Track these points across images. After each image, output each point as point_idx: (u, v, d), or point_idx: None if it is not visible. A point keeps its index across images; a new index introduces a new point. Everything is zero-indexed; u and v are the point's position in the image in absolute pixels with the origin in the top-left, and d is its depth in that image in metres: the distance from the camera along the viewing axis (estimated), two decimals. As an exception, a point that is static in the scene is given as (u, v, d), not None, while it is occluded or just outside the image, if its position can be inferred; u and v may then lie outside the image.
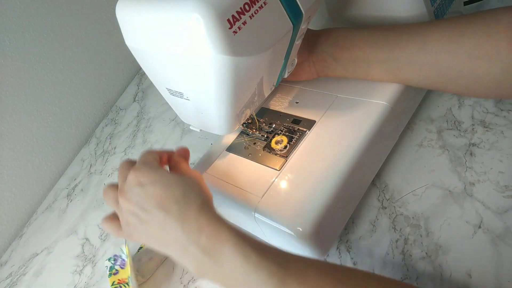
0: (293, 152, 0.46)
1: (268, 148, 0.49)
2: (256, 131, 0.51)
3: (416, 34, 0.43)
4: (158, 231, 0.36)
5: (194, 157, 0.69)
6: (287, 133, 0.49)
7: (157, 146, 0.76)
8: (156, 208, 0.36)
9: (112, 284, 0.52)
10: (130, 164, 0.40)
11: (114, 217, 0.41)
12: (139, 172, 0.38)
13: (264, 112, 0.54)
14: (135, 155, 0.78)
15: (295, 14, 0.37)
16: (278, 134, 0.49)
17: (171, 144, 0.75)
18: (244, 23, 0.33)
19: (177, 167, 0.42)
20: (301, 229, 0.39)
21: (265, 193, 0.43)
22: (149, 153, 0.41)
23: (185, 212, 0.35)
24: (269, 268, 0.31)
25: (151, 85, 0.93)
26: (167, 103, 0.47)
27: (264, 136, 0.50)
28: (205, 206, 0.36)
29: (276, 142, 0.48)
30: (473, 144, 0.46)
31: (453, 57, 0.40)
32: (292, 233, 0.40)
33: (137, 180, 0.37)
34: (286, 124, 0.51)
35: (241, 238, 0.33)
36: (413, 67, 0.43)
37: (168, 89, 0.42)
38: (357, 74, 0.48)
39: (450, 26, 0.41)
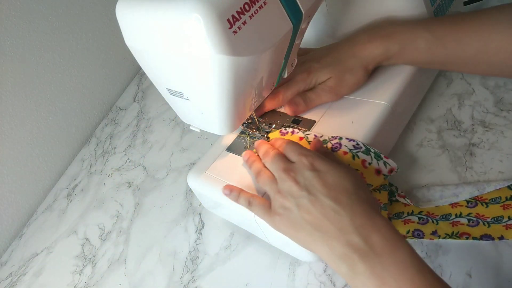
0: (293, 152, 0.46)
1: (268, 148, 0.49)
2: (256, 131, 0.51)
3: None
4: (315, 219, 0.35)
5: (194, 157, 0.69)
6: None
7: (157, 146, 0.76)
8: (325, 195, 0.36)
9: None
10: (281, 152, 0.42)
11: (262, 198, 0.42)
12: (313, 159, 0.38)
13: (264, 112, 0.54)
14: (135, 155, 0.78)
15: (295, 14, 0.37)
16: (278, 134, 0.49)
17: (171, 144, 0.75)
18: (244, 23, 0.33)
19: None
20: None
21: (265, 193, 0.43)
22: (319, 141, 0.44)
23: (356, 206, 0.35)
24: None
25: (151, 85, 0.93)
26: (167, 103, 0.47)
27: (264, 136, 0.50)
28: (376, 206, 0.36)
29: (276, 142, 0.48)
30: (473, 144, 0.46)
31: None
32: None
33: (311, 165, 0.38)
34: (286, 124, 0.51)
35: (416, 253, 0.32)
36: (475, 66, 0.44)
37: (168, 89, 0.42)
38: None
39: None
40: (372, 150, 0.42)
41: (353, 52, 0.48)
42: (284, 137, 0.48)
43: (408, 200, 0.43)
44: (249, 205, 0.42)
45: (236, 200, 0.44)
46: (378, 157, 0.42)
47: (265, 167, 0.43)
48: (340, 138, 0.44)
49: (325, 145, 0.45)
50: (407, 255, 0.31)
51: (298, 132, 0.48)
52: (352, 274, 0.33)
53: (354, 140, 0.43)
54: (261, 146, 0.45)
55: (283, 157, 0.41)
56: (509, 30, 0.40)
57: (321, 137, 0.46)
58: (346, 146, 0.43)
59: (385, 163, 0.42)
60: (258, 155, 0.45)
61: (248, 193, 0.43)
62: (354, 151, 0.43)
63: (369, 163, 0.42)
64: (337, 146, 0.44)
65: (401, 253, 0.32)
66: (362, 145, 0.43)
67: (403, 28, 0.46)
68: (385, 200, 0.43)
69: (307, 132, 0.48)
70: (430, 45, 0.44)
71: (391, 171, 0.42)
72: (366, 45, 0.47)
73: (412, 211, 0.43)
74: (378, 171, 0.42)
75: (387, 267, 0.31)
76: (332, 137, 0.45)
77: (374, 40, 0.47)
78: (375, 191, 0.43)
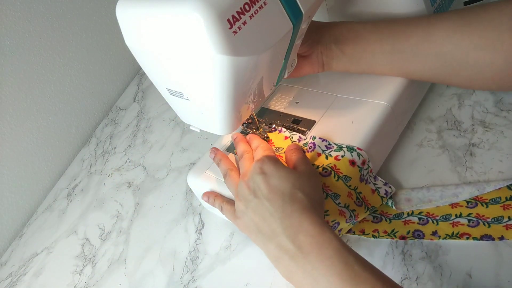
0: (293, 152, 0.46)
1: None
2: (256, 131, 0.51)
3: (420, 25, 0.43)
4: (259, 220, 0.38)
5: (194, 157, 0.69)
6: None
7: (157, 146, 0.76)
8: (266, 198, 0.38)
9: None
10: (251, 155, 0.44)
11: (232, 202, 0.44)
12: (263, 163, 0.40)
13: (264, 112, 0.54)
14: (135, 155, 0.78)
15: (295, 14, 0.37)
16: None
17: (171, 144, 0.75)
18: (244, 23, 0.33)
19: (292, 159, 0.43)
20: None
21: None
22: (269, 147, 0.44)
23: (288, 208, 0.36)
24: (372, 282, 0.30)
25: (151, 85, 0.93)
26: (167, 103, 0.47)
27: (264, 137, 0.50)
28: (311, 207, 0.37)
29: (276, 142, 0.49)
30: (473, 144, 0.46)
31: (457, 48, 0.40)
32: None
33: (260, 169, 0.40)
34: (286, 124, 0.51)
35: (344, 246, 0.33)
36: (417, 59, 0.43)
37: (168, 89, 0.42)
38: (362, 66, 0.47)
39: (454, 17, 0.41)
40: (344, 146, 0.43)
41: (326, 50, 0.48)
42: (271, 134, 0.50)
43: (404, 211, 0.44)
44: (220, 210, 0.46)
45: (213, 205, 0.47)
46: (351, 149, 0.43)
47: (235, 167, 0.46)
48: (314, 138, 0.46)
49: (306, 148, 0.46)
50: (333, 250, 0.32)
51: (285, 132, 0.49)
52: (287, 273, 0.35)
53: (326, 140, 0.45)
54: (239, 144, 0.47)
55: (248, 162, 0.43)
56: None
57: (304, 139, 0.47)
58: (319, 146, 0.45)
59: (358, 154, 0.43)
60: (224, 154, 0.48)
61: (220, 198, 0.47)
62: (327, 151, 0.44)
63: (342, 156, 0.43)
64: (311, 146, 0.45)
65: (327, 249, 0.33)
66: (333, 144, 0.44)
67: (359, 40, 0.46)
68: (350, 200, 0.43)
69: (293, 133, 0.49)
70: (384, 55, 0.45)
71: (363, 162, 0.43)
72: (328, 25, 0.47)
73: (412, 212, 0.43)
74: (352, 162, 0.42)
75: (315, 265, 0.32)
76: (310, 137, 0.47)
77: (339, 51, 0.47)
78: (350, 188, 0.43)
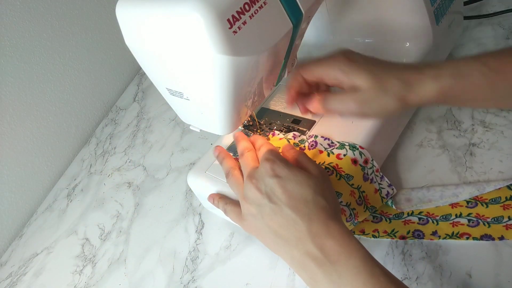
0: (293, 152, 0.46)
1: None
2: (256, 131, 0.51)
3: None
4: (278, 226, 0.36)
5: (194, 157, 0.69)
6: (286, 133, 0.49)
7: (157, 146, 0.76)
8: (284, 204, 0.36)
9: None
10: (254, 154, 0.42)
11: (237, 203, 0.42)
12: (275, 165, 0.38)
13: (264, 112, 0.54)
14: (135, 155, 0.78)
15: (295, 14, 0.37)
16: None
17: (171, 144, 0.75)
18: (244, 23, 0.33)
19: (300, 162, 0.41)
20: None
21: None
22: (274, 147, 0.42)
23: (313, 215, 0.35)
24: None
25: (151, 85, 0.93)
26: (167, 103, 0.47)
27: (263, 135, 0.50)
28: (335, 214, 0.36)
29: (276, 142, 0.48)
30: (473, 144, 0.46)
31: None
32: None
33: (272, 171, 0.38)
34: (286, 124, 0.51)
35: (370, 256, 0.33)
36: None
37: (168, 89, 0.42)
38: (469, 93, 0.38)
39: None
40: (347, 143, 0.43)
41: (402, 74, 0.38)
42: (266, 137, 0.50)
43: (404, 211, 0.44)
44: (224, 212, 0.45)
45: (217, 207, 0.47)
46: (353, 148, 0.43)
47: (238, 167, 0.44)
48: (316, 136, 0.46)
49: (302, 145, 0.46)
50: (360, 260, 0.32)
51: (278, 134, 0.49)
52: (313, 282, 0.34)
53: (328, 139, 0.45)
54: (240, 142, 0.45)
55: (252, 161, 0.41)
56: None
57: (299, 136, 0.47)
58: (321, 144, 0.45)
59: (360, 153, 0.43)
60: (227, 152, 0.47)
61: (224, 199, 0.46)
62: (329, 149, 0.44)
63: (344, 155, 0.43)
64: (313, 144, 0.45)
65: (354, 259, 0.32)
66: (336, 142, 0.44)
67: (452, 63, 0.38)
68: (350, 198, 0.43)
69: (286, 134, 0.49)
70: (488, 78, 0.36)
71: (365, 161, 0.43)
72: (417, 74, 0.38)
73: (412, 212, 0.43)
74: (355, 161, 0.42)
75: (342, 274, 0.32)
76: (309, 136, 0.46)
77: (425, 70, 0.38)
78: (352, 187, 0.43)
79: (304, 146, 0.46)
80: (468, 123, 0.48)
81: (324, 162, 0.43)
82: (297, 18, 0.37)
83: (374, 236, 0.43)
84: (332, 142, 0.45)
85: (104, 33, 0.95)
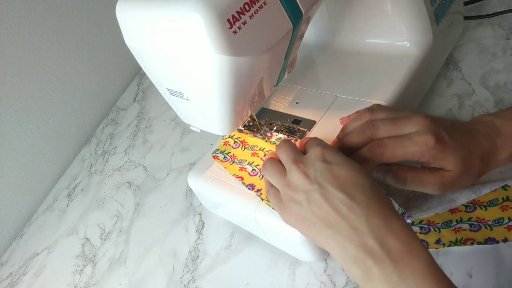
0: (293, 152, 0.46)
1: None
2: (256, 132, 0.51)
3: None
4: (328, 214, 0.32)
5: (195, 157, 0.69)
6: (287, 134, 0.49)
7: (158, 146, 0.76)
8: (338, 189, 0.32)
9: None
10: (295, 144, 0.38)
11: (276, 189, 0.38)
12: (325, 150, 0.35)
13: (264, 112, 0.54)
14: (136, 155, 0.78)
15: (295, 14, 0.37)
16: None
17: (171, 144, 0.75)
18: (244, 23, 0.33)
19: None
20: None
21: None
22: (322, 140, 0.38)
23: (372, 204, 0.31)
24: None
25: (151, 85, 0.93)
26: (167, 103, 0.47)
27: (265, 138, 0.50)
28: (394, 209, 0.32)
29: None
30: (473, 144, 0.46)
31: None
32: (293, 234, 0.40)
33: (322, 156, 0.34)
34: (287, 125, 0.51)
35: (435, 261, 0.29)
36: None
37: (168, 89, 0.42)
38: None
39: None
40: None
41: (481, 149, 0.36)
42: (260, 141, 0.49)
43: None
44: (267, 193, 0.40)
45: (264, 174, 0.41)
46: None
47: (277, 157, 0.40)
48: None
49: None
50: (425, 263, 0.29)
51: (277, 135, 0.49)
52: (365, 278, 0.30)
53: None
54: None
55: (293, 147, 0.38)
56: None
57: (294, 140, 0.47)
58: None
59: None
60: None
61: (267, 181, 0.40)
62: None
63: None
64: None
65: (419, 261, 0.29)
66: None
67: None
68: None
69: (278, 136, 0.49)
70: None
71: None
72: (493, 148, 0.36)
73: (413, 222, 0.43)
74: None
75: (403, 276, 0.29)
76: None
77: (496, 140, 0.36)
78: None
79: None
80: (468, 123, 0.48)
81: None
82: (297, 18, 0.37)
83: None
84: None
85: (104, 33, 0.95)
